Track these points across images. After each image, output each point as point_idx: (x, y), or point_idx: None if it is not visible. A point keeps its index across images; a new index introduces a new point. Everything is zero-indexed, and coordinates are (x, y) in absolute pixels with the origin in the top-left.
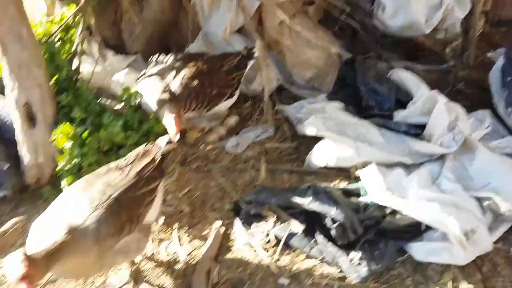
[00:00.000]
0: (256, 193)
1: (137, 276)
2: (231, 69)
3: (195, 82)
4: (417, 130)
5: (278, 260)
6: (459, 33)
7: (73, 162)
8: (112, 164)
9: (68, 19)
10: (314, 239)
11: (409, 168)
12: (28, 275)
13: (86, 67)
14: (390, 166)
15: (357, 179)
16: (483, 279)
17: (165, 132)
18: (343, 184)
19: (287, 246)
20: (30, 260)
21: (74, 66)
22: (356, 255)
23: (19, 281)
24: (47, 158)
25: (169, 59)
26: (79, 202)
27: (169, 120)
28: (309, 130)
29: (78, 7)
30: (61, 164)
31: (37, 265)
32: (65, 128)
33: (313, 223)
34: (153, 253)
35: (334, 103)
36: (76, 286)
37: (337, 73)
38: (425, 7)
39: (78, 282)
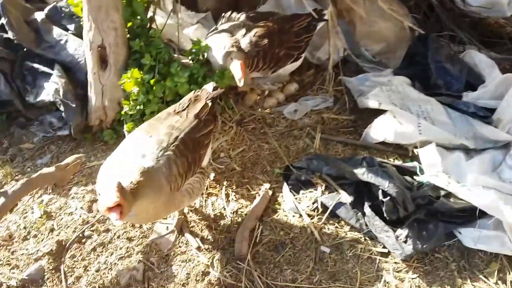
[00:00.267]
0: (308, 160)
1: (182, 226)
2: (301, 30)
3: (265, 41)
4: (486, 113)
5: (322, 228)
6: None
7: (137, 108)
8: (170, 109)
9: None
10: (361, 212)
11: (469, 153)
12: (120, 204)
13: (158, 20)
14: (449, 148)
15: (413, 158)
16: None
17: (225, 90)
18: (398, 162)
19: (333, 215)
20: (124, 191)
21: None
22: (403, 232)
23: (110, 209)
24: (113, 102)
25: (240, 16)
26: (148, 144)
27: (235, 65)
28: (372, 102)
29: None
30: (125, 108)
31: (127, 198)
32: (135, 73)
33: (362, 196)
34: (200, 206)
35: (401, 77)
36: (124, 229)
37: (406, 49)
38: None
39: (126, 227)
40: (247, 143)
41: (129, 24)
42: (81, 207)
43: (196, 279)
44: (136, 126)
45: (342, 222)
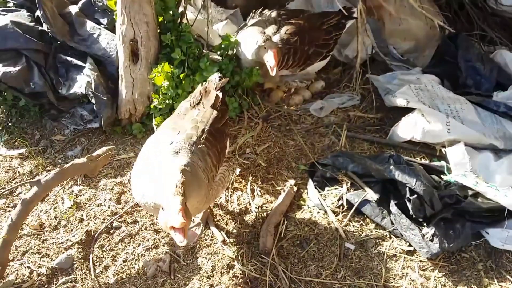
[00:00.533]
0: (333, 157)
1: (208, 220)
2: (330, 28)
3: (295, 39)
4: None
5: (347, 225)
6: None
7: (166, 102)
8: (185, 104)
9: None
10: (387, 210)
11: (498, 153)
12: (185, 225)
13: (188, 15)
14: (478, 148)
15: (440, 157)
16: None
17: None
18: (425, 161)
19: (358, 212)
20: (187, 210)
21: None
22: (429, 231)
23: (174, 228)
24: (143, 95)
25: (271, 13)
26: (178, 141)
27: (268, 53)
28: (400, 100)
29: None
30: (154, 102)
31: (189, 216)
32: (165, 67)
33: (388, 194)
34: (226, 201)
35: (430, 76)
36: (151, 221)
37: (435, 48)
38: None
39: (153, 219)
40: (272, 139)
41: (160, 19)
42: (109, 199)
43: (221, 272)
44: (165, 120)
45: (367, 220)
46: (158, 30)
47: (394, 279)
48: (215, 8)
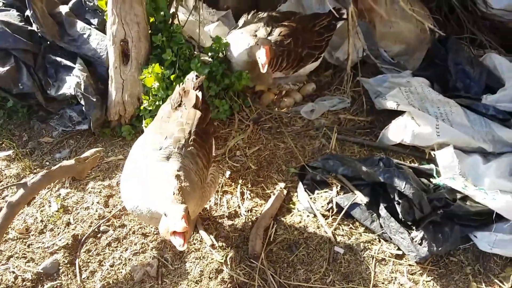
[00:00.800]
0: (324, 160)
1: (197, 223)
2: (322, 30)
3: (289, 41)
4: (505, 116)
5: (336, 228)
6: None
7: (156, 104)
8: (167, 107)
9: None
10: (376, 213)
11: (487, 156)
12: (188, 230)
13: (179, 16)
14: (467, 151)
15: (429, 161)
16: None
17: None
18: (415, 165)
19: (347, 216)
20: (188, 216)
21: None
22: (418, 234)
23: (175, 233)
24: (132, 97)
25: (263, 15)
26: (167, 145)
27: (261, 50)
28: (390, 103)
29: None
30: (144, 104)
31: (191, 223)
32: (156, 68)
33: (377, 197)
34: (215, 204)
35: (420, 78)
36: (139, 225)
37: (426, 51)
38: None
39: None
40: (263, 142)
41: (151, 19)
42: (97, 202)
43: (209, 277)
44: None
45: (357, 223)
46: (149, 31)
47: (383, 283)
48: (206, 10)
